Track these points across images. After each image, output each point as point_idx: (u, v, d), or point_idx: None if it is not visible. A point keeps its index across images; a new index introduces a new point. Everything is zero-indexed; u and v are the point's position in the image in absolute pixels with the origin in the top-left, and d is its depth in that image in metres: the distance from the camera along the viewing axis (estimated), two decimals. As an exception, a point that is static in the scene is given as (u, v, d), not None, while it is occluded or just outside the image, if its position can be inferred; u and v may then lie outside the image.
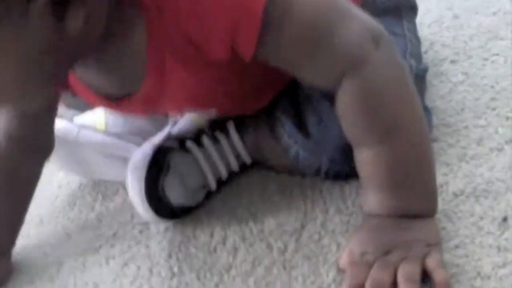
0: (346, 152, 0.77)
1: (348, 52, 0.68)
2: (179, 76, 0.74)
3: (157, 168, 0.85)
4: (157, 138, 0.88)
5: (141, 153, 0.86)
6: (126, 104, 0.79)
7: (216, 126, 0.91)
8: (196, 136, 0.89)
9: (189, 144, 0.88)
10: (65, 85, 0.80)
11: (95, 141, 0.99)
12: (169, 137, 0.88)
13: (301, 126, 0.86)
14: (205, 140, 0.89)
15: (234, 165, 0.92)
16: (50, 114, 0.91)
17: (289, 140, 0.86)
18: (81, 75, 0.79)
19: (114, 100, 0.79)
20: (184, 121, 0.91)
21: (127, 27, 0.70)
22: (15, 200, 0.94)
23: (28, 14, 0.60)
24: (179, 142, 0.88)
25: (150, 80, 0.74)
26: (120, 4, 0.68)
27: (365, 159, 0.72)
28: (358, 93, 0.69)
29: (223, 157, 0.91)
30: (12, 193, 0.93)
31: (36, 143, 0.91)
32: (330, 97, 0.73)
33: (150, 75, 0.73)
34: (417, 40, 0.98)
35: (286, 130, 0.86)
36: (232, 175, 0.93)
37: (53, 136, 0.93)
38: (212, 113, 0.89)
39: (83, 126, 1.01)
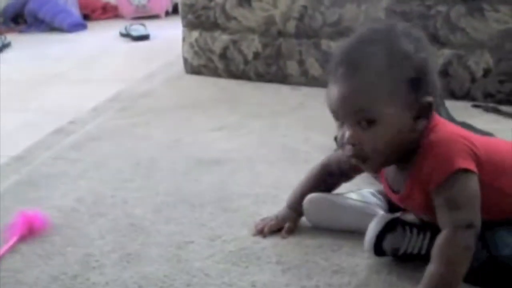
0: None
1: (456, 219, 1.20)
2: (416, 195, 1.28)
3: (386, 228, 1.36)
4: (397, 214, 1.41)
5: (384, 216, 1.40)
6: (395, 197, 1.36)
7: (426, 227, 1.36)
8: (412, 225, 1.37)
9: (407, 228, 1.37)
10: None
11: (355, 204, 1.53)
12: (401, 218, 1.39)
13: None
14: (414, 230, 1.36)
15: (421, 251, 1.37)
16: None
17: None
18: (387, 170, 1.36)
19: (393, 191, 1.36)
20: (411, 216, 1.41)
21: (413, 152, 1.25)
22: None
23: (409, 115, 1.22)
24: (403, 223, 1.38)
25: (406, 189, 1.29)
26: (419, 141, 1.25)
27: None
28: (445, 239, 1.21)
29: (416, 244, 1.36)
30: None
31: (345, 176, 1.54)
32: None
33: (406, 188, 1.29)
34: None
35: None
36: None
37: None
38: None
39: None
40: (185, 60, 3.03)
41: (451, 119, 1.89)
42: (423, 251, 1.35)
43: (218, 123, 2.33)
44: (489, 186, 1.24)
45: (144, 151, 2.08)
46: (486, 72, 2.43)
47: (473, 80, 2.46)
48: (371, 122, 1.21)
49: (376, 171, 1.33)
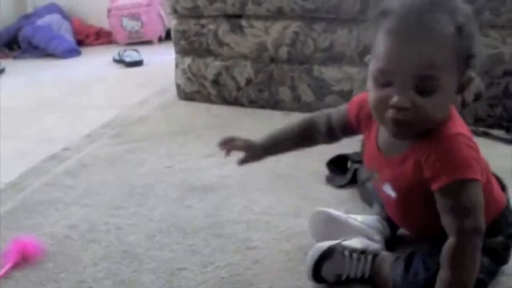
0: None
1: (463, 226, 1.22)
2: (408, 167, 1.29)
3: (322, 257, 1.41)
4: (335, 242, 1.45)
5: (319, 246, 1.43)
6: (380, 159, 1.37)
7: (366, 251, 1.44)
8: (352, 251, 1.43)
9: (346, 253, 1.42)
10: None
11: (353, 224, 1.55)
12: (341, 244, 1.44)
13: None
14: (354, 255, 1.42)
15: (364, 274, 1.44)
16: None
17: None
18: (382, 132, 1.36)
19: (382, 155, 1.36)
20: (353, 241, 1.46)
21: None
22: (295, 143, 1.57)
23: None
24: (342, 249, 1.43)
25: (403, 157, 1.31)
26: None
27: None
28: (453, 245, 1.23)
29: (358, 269, 1.43)
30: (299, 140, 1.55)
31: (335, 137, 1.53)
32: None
33: (403, 156, 1.30)
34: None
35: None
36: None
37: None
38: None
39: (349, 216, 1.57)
40: (178, 86, 3.05)
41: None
42: (367, 275, 1.42)
43: (211, 149, 2.33)
44: None
45: (137, 178, 2.10)
46: (477, 97, 2.45)
47: (464, 104, 2.48)
48: (429, 89, 1.19)
49: (407, 138, 1.28)
